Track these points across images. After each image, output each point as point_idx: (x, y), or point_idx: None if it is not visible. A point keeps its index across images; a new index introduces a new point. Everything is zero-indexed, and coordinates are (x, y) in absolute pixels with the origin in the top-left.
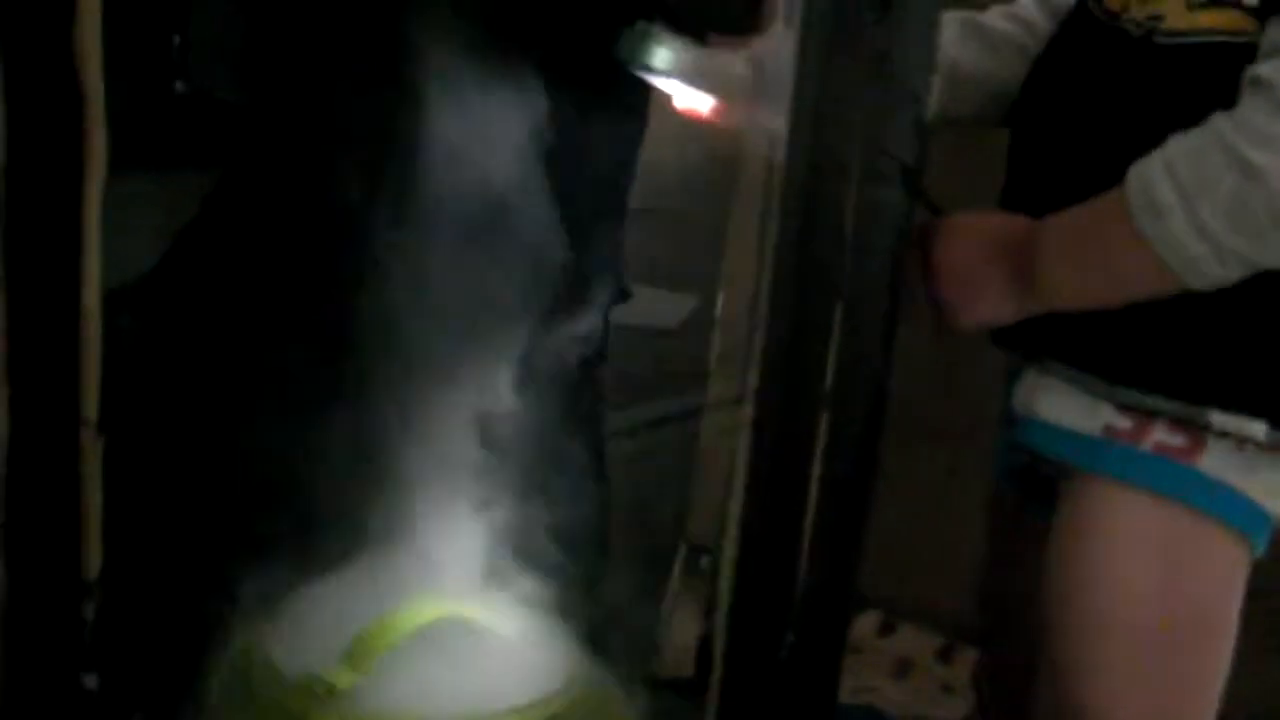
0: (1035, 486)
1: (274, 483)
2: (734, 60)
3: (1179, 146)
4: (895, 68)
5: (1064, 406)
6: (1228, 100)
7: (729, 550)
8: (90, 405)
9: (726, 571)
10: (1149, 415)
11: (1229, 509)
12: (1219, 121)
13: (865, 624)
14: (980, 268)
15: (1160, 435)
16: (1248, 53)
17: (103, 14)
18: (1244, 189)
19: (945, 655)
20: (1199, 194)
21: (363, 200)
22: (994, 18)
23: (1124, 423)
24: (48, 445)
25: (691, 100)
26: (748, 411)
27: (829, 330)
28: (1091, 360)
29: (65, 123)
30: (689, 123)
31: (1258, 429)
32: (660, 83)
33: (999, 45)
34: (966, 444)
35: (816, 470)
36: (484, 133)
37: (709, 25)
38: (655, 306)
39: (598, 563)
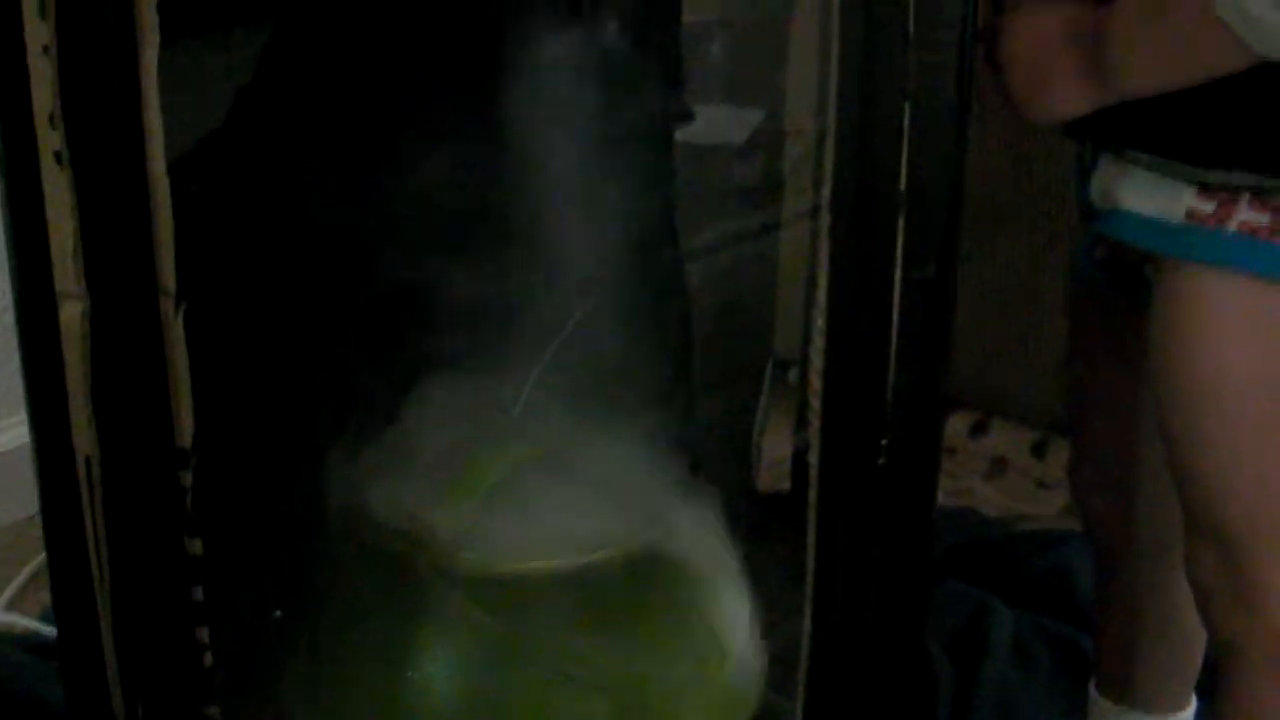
0: (1121, 274)
1: (357, 329)
2: None
3: None
4: None
5: (1144, 194)
6: None
7: (816, 360)
8: (168, 274)
9: (816, 382)
10: (1231, 195)
11: None
12: None
13: (957, 424)
14: (1049, 60)
15: (1244, 214)
16: None
17: None
18: None
19: (1039, 450)
20: None
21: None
22: None
23: (1206, 205)
24: (128, 318)
25: None
26: (825, 219)
27: (899, 131)
28: (1169, 143)
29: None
30: None
31: None
32: None
33: None
34: (1046, 233)
35: (898, 272)
36: None
37: None
38: (720, 123)
39: (684, 383)
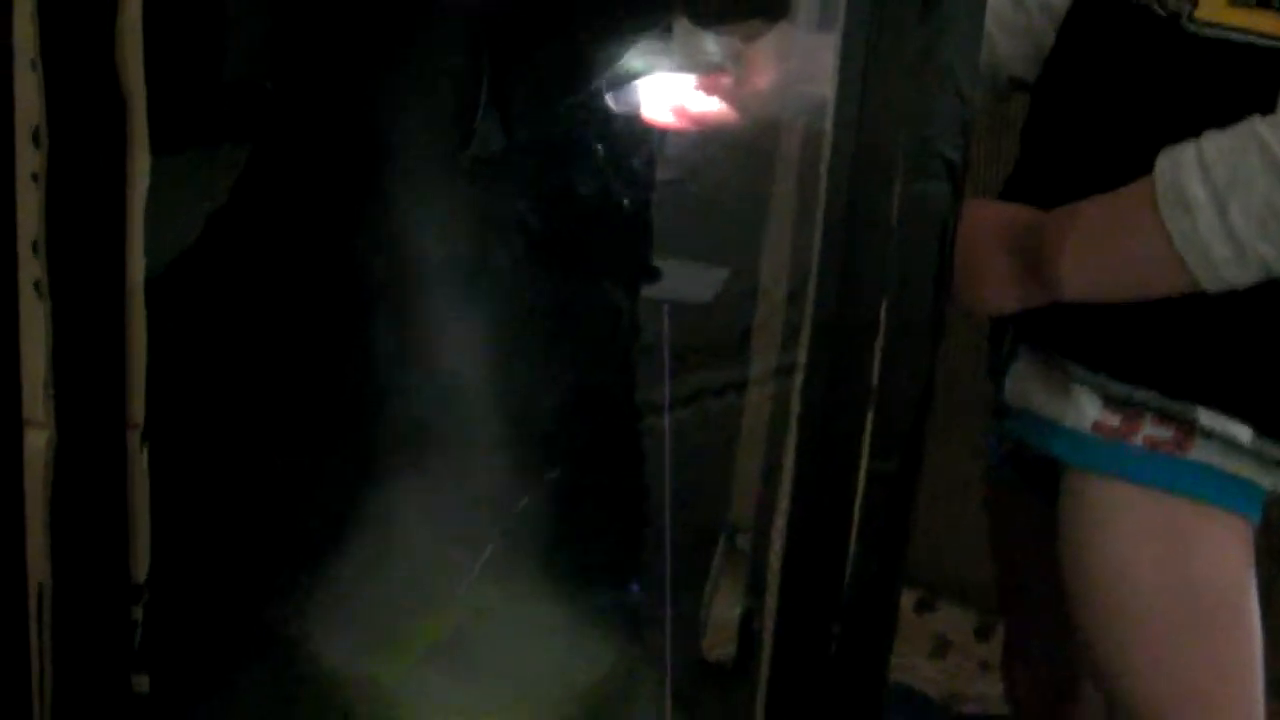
0: (1032, 471)
1: (312, 477)
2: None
3: (1215, 143)
4: (940, 64)
5: (1054, 400)
6: (1257, 101)
7: (777, 543)
8: (137, 409)
9: (774, 564)
10: (1137, 410)
11: (1225, 494)
12: (1259, 125)
13: (903, 602)
14: (987, 255)
15: (1149, 430)
16: None
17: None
18: (1278, 195)
19: (983, 633)
20: (1231, 194)
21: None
22: None
23: (1113, 418)
24: (94, 449)
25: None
26: (795, 407)
27: (875, 327)
28: (1082, 351)
29: (108, 129)
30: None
31: (1242, 432)
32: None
33: None
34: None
35: (863, 466)
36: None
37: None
38: (688, 281)
39: (635, 544)
